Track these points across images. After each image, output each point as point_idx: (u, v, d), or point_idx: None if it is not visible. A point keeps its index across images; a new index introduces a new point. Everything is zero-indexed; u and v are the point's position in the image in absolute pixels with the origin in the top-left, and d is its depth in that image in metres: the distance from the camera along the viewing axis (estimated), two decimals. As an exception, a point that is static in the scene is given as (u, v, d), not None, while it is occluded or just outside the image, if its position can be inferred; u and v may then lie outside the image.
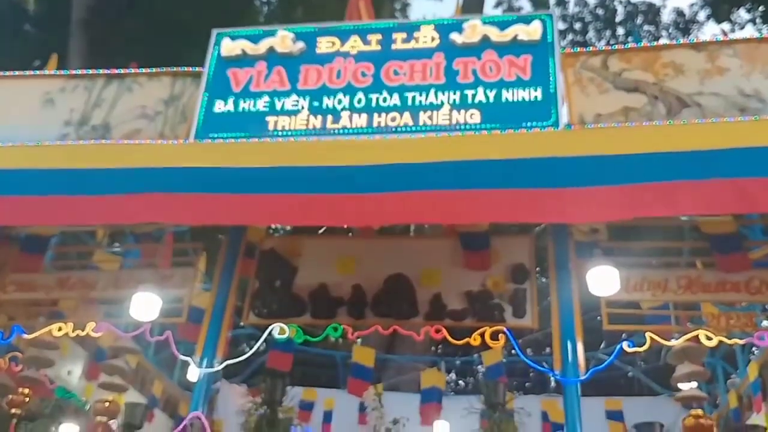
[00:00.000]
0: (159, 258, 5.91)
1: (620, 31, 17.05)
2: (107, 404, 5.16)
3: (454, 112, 4.82)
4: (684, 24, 16.53)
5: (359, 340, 8.69)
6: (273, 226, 7.55)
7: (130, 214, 4.46)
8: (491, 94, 4.84)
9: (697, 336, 4.40)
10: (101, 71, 5.71)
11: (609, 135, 4.45)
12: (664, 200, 3.76)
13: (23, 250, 5.78)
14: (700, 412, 4.47)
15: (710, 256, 4.88)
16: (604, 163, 4.08)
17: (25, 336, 5.30)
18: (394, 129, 4.84)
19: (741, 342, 4.37)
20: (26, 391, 5.37)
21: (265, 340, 5.82)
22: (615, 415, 7.98)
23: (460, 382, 13.98)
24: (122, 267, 6.06)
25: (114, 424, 5.70)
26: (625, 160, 4.04)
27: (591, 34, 17.35)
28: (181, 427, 4.69)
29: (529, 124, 4.67)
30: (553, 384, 11.14)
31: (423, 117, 4.84)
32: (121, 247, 6.60)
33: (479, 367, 12.92)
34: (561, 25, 16.80)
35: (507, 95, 4.82)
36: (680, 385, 4.91)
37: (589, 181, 3.99)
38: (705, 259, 4.92)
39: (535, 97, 4.78)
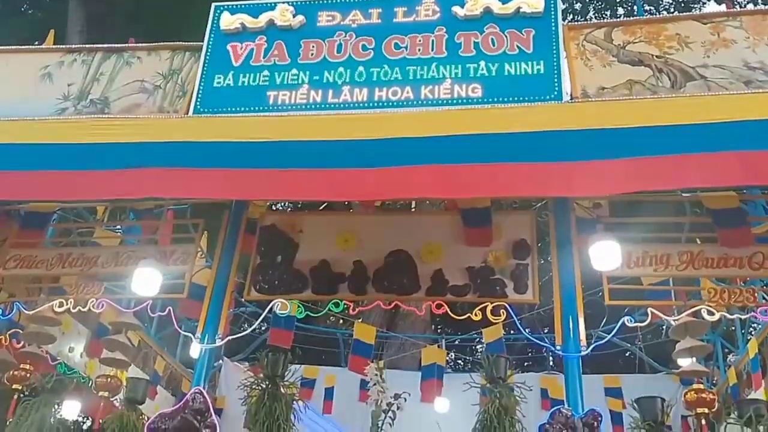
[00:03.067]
0: (160, 234, 5.89)
1: (620, 11, 16.87)
2: (109, 379, 5.18)
3: (456, 86, 4.78)
4: (684, 3, 16.37)
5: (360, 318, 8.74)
6: (274, 202, 7.53)
7: (130, 190, 4.44)
8: (493, 68, 4.80)
9: (698, 311, 4.42)
10: (99, 45, 5.66)
11: (613, 108, 4.42)
12: (668, 173, 3.74)
13: (23, 226, 5.76)
14: (701, 386, 4.47)
15: (712, 231, 4.86)
16: (608, 137, 4.05)
17: (26, 312, 5.34)
18: (395, 103, 4.80)
19: (743, 317, 4.39)
20: (28, 366, 5.38)
21: (266, 319, 5.84)
22: (614, 392, 8.00)
23: (460, 361, 14.04)
24: (123, 243, 6.05)
25: (116, 399, 5.73)
26: (629, 133, 4.01)
27: (591, 14, 17.16)
28: (183, 401, 4.71)
29: (531, 97, 4.63)
30: (551, 363, 11.16)
31: (424, 91, 4.81)
32: (122, 223, 6.58)
33: (479, 346, 12.98)
34: (560, 5, 16.56)
35: (509, 69, 4.78)
36: (681, 361, 4.92)
37: (593, 155, 3.97)
38: (707, 235, 4.90)
39: (538, 70, 4.74)
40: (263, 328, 10.89)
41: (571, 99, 4.61)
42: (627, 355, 12.11)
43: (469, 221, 5.33)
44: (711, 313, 4.24)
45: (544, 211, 5.33)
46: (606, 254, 4.54)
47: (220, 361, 8.92)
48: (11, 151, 4.64)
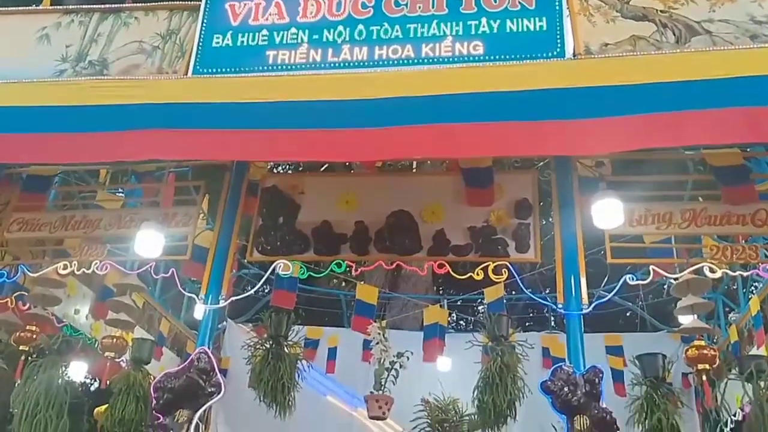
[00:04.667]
0: (162, 197, 5.89)
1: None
2: (115, 340, 5.24)
3: (457, 44, 4.71)
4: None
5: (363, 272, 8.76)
6: (275, 163, 7.51)
7: (130, 152, 4.43)
8: (495, 25, 4.72)
9: (700, 269, 4.43)
10: (96, 6, 5.58)
11: (616, 65, 4.35)
12: (672, 130, 3.71)
13: (25, 189, 5.77)
14: (702, 342, 4.51)
15: (715, 189, 4.84)
16: (612, 94, 4.01)
17: (31, 274, 5.38)
18: (395, 62, 4.74)
19: (745, 274, 4.39)
20: (34, 328, 5.44)
21: (269, 281, 5.88)
22: (615, 350, 8.07)
23: (462, 322, 14.14)
24: (125, 206, 6.05)
25: (122, 360, 5.81)
26: (633, 90, 3.96)
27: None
28: (188, 361, 4.77)
29: (533, 55, 4.56)
30: (553, 323, 11.25)
31: (425, 49, 4.74)
32: (124, 186, 6.58)
33: (480, 307, 13.07)
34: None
35: (511, 25, 4.70)
36: (682, 318, 4.95)
37: (596, 113, 3.93)
38: (710, 192, 4.88)
39: (540, 27, 4.66)
40: (266, 291, 10.99)
41: (573, 56, 4.54)
42: (628, 315, 12.21)
43: (471, 181, 5.32)
44: (713, 271, 4.25)
45: (546, 171, 5.30)
46: (608, 212, 4.53)
47: (224, 323, 9.01)
48: (10, 114, 4.62)
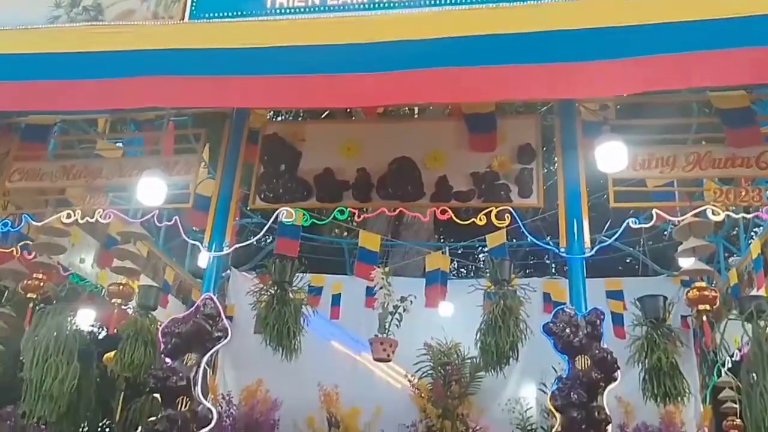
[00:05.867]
0: (162, 146, 5.86)
1: None
2: (121, 287, 5.29)
3: (459, -15, 4.60)
4: None
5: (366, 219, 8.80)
6: (275, 111, 7.45)
7: (129, 99, 4.38)
8: (497, -35, 4.59)
9: (703, 212, 4.44)
10: (88, -51, 5.43)
11: (620, 5, 4.24)
12: (679, 72, 3.66)
13: (24, 139, 5.74)
14: (703, 284, 4.54)
15: (720, 132, 4.80)
16: (616, 35, 3.93)
17: (35, 224, 5.40)
18: (396, 4, 4.64)
19: (748, 216, 4.39)
20: (41, 276, 5.49)
21: (272, 229, 5.90)
22: (615, 295, 8.14)
23: (462, 269, 14.26)
24: (126, 155, 6.03)
25: (129, 307, 5.89)
26: (637, 30, 3.88)
27: None
28: (194, 307, 4.83)
29: (537, -5, 4.46)
30: (554, 270, 11.35)
31: (427, -9, 4.63)
32: (123, 135, 6.53)
33: (481, 256, 13.17)
34: None
35: (514, -35, 4.58)
36: (683, 261, 4.98)
37: (602, 54, 3.87)
38: (714, 135, 4.84)
39: (544, -34, 4.54)
40: (268, 241, 11.05)
41: (577, -5, 4.44)
42: (627, 261, 12.29)
43: (473, 127, 5.28)
44: (716, 213, 4.26)
45: (549, 115, 5.27)
46: (612, 155, 4.51)
47: (228, 272, 9.08)
48: (4, 61, 4.55)
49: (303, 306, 5.43)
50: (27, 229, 5.78)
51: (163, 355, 4.67)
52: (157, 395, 4.50)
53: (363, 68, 4.08)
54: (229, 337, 4.69)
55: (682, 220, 4.51)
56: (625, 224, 4.55)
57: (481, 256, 13.90)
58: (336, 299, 8.79)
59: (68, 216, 5.20)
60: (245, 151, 5.57)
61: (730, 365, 6.64)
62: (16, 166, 5.63)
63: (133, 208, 5.50)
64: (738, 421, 6.51)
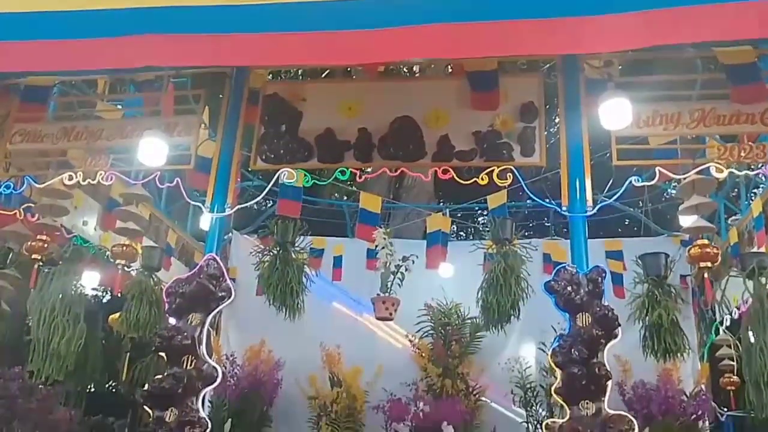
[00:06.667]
0: (162, 106, 5.82)
1: None
2: (125, 248, 5.31)
3: (462, -63, 4.50)
4: None
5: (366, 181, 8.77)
6: (275, 71, 7.36)
7: (127, 58, 4.33)
8: None
9: (706, 169, 4.43)
10: None
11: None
12: (686, 26, 3.61)
13: (24, 100, 5.69)
14: (705, 241, 4.55)
15: (724, 88, 4.76)
16: (621, -12, 3.87)
17: (37, 186, 5.39)
18: (397, -43, 4.54)
19: (751, 173, 4.38)
20: (44, 237, 5.50)
21: (272, 192, 5.89)
22: (615, 255, 8.18)
23: (462, 233, 14.30)
24: (126, 116, 5.98)
25: (132, 269, 5.92)
26: (644, -17, 3.82)
27: None
28: (197, 267, 4.86)
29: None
30: (553, 232, 11.38)
31: (428, -57, 4.53)
32: (123, 96, 6.48)
33: (481, 219, 13.20)
34: None
35: None
36: (685, 219, 4.98)
37: (603, 9, 3.82)
38: (719, 92, 4.79)
39: None
40: (269, 204, 11.05)
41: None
42: (626, 223, 12.33)
43: (476, 85, 5.23)
44: (720, 171, 4.25)
45: (552, 73, 5.21)
46: (616, 112, 4.47)
47: (230, 234, 9.11)
48: (1, 21, 4.49)
49: (305, 266, 5.46)
50: (29, 192, 5.78)
51: (167, 315, 4.71)
52: (162, 354, 4.55)
53: (362, 24, 4.03)
54: (232, 297, 4.73)
55: (686, 177, 4.50)
56: (627, 182, 4.54)
57: (480, 219, 13.96)
58: (337, 261, 8.84)
59: (70, 178, 5.19)
60: (246, 112, 5.53)
61: (728, 324, 6.71)
62: (17, 128, 5.59)
63: (134, 170, 5.48)
64: (735, 377, 6.60)
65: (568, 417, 4.12)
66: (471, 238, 13.04)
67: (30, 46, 4.36)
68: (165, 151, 5.12)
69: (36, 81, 5.66)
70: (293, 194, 6.87)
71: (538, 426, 7.22)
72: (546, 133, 5.15)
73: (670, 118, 4.67)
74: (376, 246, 5.64)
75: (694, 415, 6.39)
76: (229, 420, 4.68)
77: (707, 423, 6.57)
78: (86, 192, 6.43)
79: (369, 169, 6.05)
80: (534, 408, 7.47)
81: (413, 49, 4.15)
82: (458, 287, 8.02)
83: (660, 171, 4.49)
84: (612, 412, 4.14)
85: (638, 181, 4.54)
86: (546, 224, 12.00)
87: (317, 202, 10.68)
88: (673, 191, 7.96)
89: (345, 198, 11.83)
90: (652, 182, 4.55)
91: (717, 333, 6.90)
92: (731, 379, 6.68)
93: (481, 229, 13.88)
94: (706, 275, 4.56)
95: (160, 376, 4.45)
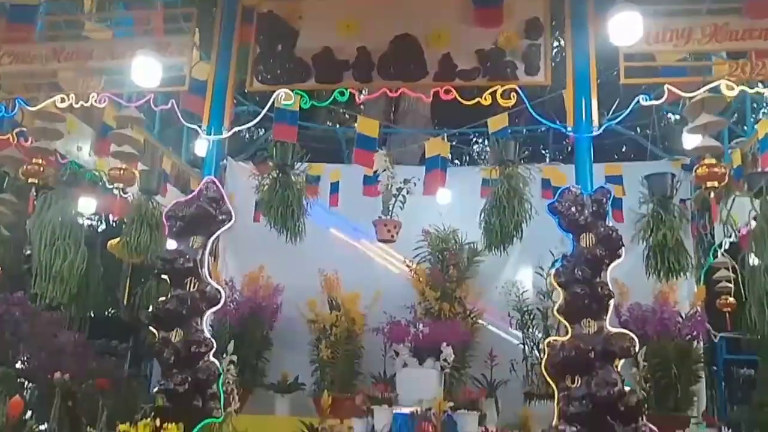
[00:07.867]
0: (153, 26, 5.61)
1: None
2: (122, 172, 5.22)
3: None
4: None
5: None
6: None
7: None
8: None
9: (717, 87, 4.32)
10: None
11: None
12: None
13: (11, 20, 5.48)
14: (712, 160, 4.49)
15: (738, 1, 4.58)
16: None
17: (29, 108, 5.25)
18: None
19: (762, 90, 4.28)
20: (40, 161, 5.39)
21: (268, 118, 5.76)
22: (615, 179, 8.12)
23: (456, 161, 14.24)
24: (116, 36, 5.77)
25: (130, 195, 5.85)
26: None
27: None
28: (197, 191, 4.80)
29: None
30: (550, 158, 11.30)
31: None
32: (112, 14, 6.23)
33: (476, 147, 13.10)
34: None
35: None
36: (692, 139, 4.89)
37: None
38: (732, 6, 4.62)
39: None
40: (263, 132, 10.88)
41: None
42: (623, 150, 12.23)
43: (479, 1, 5.05)
44: (730, 88, 4.14)
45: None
46: (625, 27, 4.31)
47: (225, 161, 8.99)
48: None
49: (304, 191, 5.40)
50: (21, 117, 5.63)
51: (168, 239, 4.68)
52: (165, 277, 4.55)
53: None
54: (233, 220, 4.69)
55: (696, 95, 4.39)
56: (635, 101, 4.44)
57: (475, 147, 13.86)
58: (334, 187, 8.74)
59: (62, 100, 5.06)
60: (240, 32, 5.37)
61: (726, 247, 6.73)
62: (5, 48, 5.40)
63: (127, 92, 5.33)
64: (731, 299, 6.67)
65: (570, 335, 4.17)
66: (467, 164, 12.96)
67: None
68: (158, 72, 4.97)
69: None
70: (289, 118, 6.73)
71: (534, 347, 7.33)
72: (554, 49, 5.01)
73: (681, 33, 4.52)
74: (375, 171, 5.57)
75: (689, 336, 6.49)
76: (232, 341, 4.72)
77: (701, 344, 6.68)
78: (79, 117, 6.28)
79: (365, 91, 5.89)
80: (530, 330, 7.57)
81: None
82: (455, 213, 7.99)
83: (669, 89, 4.38)
84: (613, 330, 4.19)
85: (646, 99, 4.44)
86: (543, 151, 11.93)
87: (312, 127, 10.52)
88: (677, 115, 7.82)
89: (338, 125, 11.65)
90: (661, 101, 4.45)
91: (715, 256, 6.93)
92: (728, 300, 6.75)
93: (476, 156, 13.81)
94: (712, 195, 4.51)
95: (164, 298, 4.46)
